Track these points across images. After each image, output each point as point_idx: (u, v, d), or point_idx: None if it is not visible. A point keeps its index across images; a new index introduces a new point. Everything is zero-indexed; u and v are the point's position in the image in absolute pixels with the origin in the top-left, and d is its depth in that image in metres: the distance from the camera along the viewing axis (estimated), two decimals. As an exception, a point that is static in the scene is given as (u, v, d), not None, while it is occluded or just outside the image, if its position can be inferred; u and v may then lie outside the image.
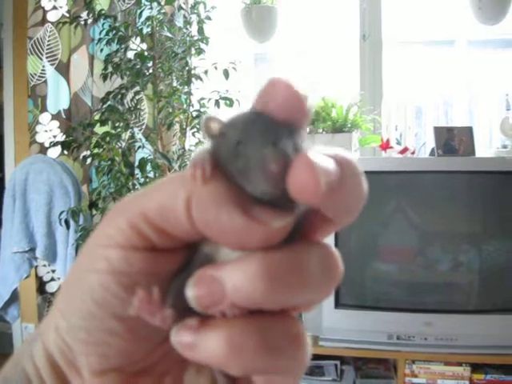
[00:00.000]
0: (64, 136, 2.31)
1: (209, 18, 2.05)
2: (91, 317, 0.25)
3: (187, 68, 2.04)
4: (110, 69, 2.03)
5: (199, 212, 0.23)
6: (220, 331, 0.24)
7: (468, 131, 2.14)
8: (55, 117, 2.62)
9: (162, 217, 0.24)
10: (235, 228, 0.23)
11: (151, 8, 2.00)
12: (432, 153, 2.19)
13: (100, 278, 0.24)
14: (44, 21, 2.63)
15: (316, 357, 1.98)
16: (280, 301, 0.24)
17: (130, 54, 2.05)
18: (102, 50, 2.20)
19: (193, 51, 2.03)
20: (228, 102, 2.01)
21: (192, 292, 0.24)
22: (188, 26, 2.07)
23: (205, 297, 0.24)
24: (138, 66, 1.97)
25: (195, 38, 2.04)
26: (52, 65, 2.61)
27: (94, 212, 2.10)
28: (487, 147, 2.52)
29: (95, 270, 0.25)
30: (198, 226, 0.24)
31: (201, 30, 2.03)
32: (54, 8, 2.62)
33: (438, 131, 2.14)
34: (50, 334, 0.26)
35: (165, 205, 0.24)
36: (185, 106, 2.06)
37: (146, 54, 2.01)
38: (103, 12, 2.05)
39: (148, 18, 2.01)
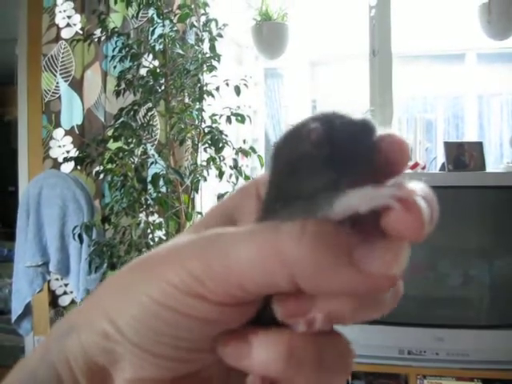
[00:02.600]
0: (77, 151, 2.34)
1: (220, 36, 2.07)
2: (152, 342, 0.25)
3: (199, 85, 2.05)
4: (122, 85, 2.05)
5: (307, 281, 0.23)
6: (282, 343, 0.24)
7: (478, 146, 2.15)
8: (68, 132, 2.65)
9: (260, 286, 0.23)
10: (351, 288, 0.23)
11: (163, 26, 2.02)
12: (442, 168, 2.20)
13: (174, 317, 0.24)
14: (58, 38, 2.66)
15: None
16: (354, 320, 0.26)
17: (143, 71, 2.08)
18: (115, 67, 2.22)
19: (204, 68, 2.05)
20: (239, 118, 2.03)
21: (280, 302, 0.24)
22: (200, 44, 2.09)
23: (291, 303, 0.24)
24: (150, 83, 2.00)
25: (207, 56, 2.05)
26: (66, 81, 2.65)
27: (107, 226, 2.13)
28: (497, 162, 2.52)
29: (167, 307, 0.24)
30: (304, 290, 0.23)
31: (212, 48, 2.05)
32: (68, 25, 2.66)
33: (449, 146, 2.15)
34: (91, 334, 0.26)
35: (262, 275, 0.23)
36: (197, 122, 2.08)
37: (158, 70, 2.03)
38: (116, 30, 2.08)
39: (160, 36, 2.03)
